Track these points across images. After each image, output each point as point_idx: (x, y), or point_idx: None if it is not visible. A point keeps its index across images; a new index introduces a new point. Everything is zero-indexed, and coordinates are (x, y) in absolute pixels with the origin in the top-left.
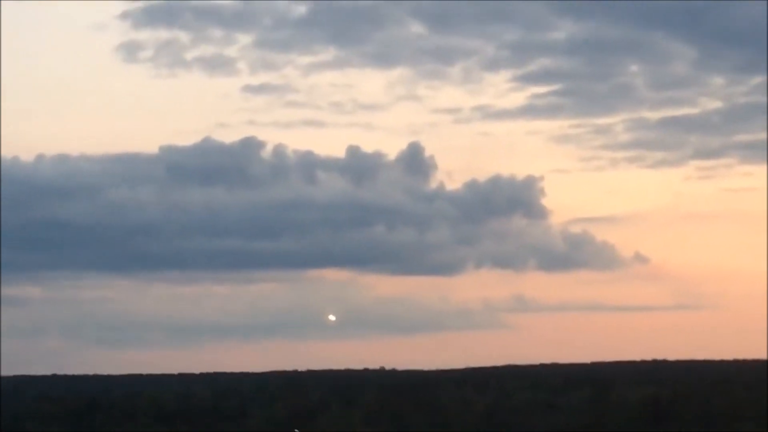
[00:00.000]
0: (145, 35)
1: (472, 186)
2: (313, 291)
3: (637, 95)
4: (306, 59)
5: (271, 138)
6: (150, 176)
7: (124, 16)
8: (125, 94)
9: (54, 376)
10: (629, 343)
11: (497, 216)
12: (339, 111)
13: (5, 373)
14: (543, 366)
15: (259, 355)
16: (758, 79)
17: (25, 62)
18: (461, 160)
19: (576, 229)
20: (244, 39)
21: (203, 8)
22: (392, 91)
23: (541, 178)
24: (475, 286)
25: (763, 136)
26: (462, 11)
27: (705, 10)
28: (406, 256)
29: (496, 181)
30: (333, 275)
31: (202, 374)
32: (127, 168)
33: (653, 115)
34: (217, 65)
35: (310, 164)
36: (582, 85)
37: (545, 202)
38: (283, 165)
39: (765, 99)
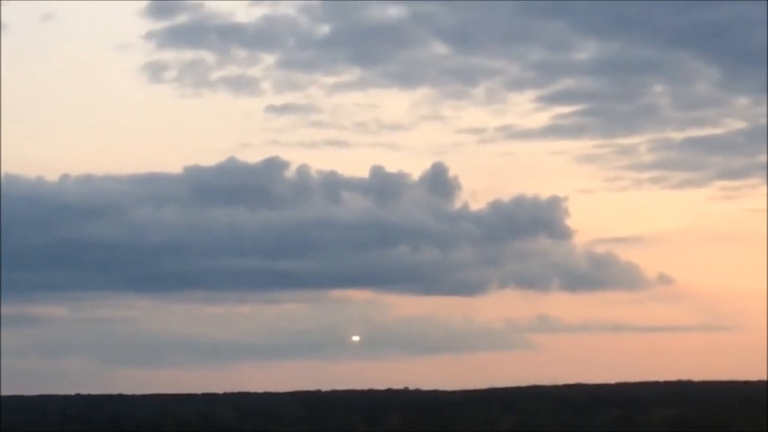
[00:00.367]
0: (170, 55)
1: (496, 206)
2: (337, 311)
3: (662, 115)
4: (330, 79)
5: (294, 158)
6: (174, 196)
7: (149, 36)
8: (150, 114)
9: (78, 395)
10: (654, 363)
11: (521, 236)
12: (363, 131)
13: (29, 392)
14: (567, 386)
15: (282, 375)
16: None
17: (50, 82)
18: (485, 180)
19: (600, 249)
20: (268, 59)
21: (227, 28)
22: (416, 111)
23: (566, 198)
24: (499, 306)
25: None
26: (486, 31)
27: (729, 30)
28: (430, 276)
29: (520, 201)
30: (356, 295)
31: (225, 394)
32: (152, 188)
33: (677, 135)
34: (242, 85)
35: (333, 184)
36: (606, 106)
37: (569, 222)
38: (306, 185)
39: None
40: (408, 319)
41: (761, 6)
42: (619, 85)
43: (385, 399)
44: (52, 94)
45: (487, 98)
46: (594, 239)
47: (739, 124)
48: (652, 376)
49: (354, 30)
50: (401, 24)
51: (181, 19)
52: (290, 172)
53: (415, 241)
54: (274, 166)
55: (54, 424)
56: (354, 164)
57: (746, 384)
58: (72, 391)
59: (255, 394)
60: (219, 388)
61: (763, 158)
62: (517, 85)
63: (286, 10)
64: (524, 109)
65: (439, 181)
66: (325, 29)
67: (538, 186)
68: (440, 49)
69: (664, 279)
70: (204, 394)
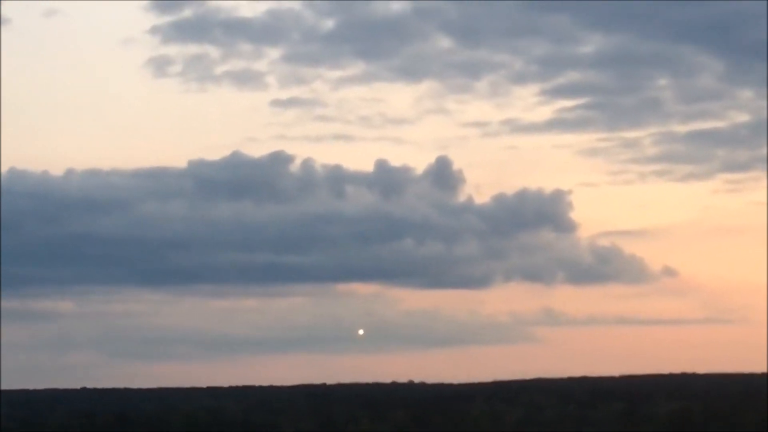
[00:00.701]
0: (175, 50)
1: (500, 199)
2: (342, 305)
3: (666, 109)
4: (335, 73)
5: (299, 152)
6: (179, 190)
7: (154, 30)
8: (155, 109)
9: (84, 389)
10: (658, 356)
11: (525, 229)
12: (367, 125)
13: (36, 386)
14: (572, 379)
15: (288, 369)
16: None
17: (55, 77)
18: (489, 173)
19: (604, 242)
20: (273, 53)
21: (232, 23)
22: (420, 105)
23: (570, 191)
24: (504, 300)
25: None
26: (490, 25)
27: (733, 24)
28: (435, 269)
29: (524, 195)
30: (361, 289)
31: (231, 388)
32: (157, 182)
33: (681, 128)
34: (246, 79)
35: (338, 178)
36: (610, 99)
37: (573, 215)
38: (311, 179)
39: None
40: (413, 313)
41: (764, 1)
42: (623, 78)
43: (390, 392)
44: (57, 89)
45: (491, 92)
46: (598, 232)
47: (743, 117)
48: (657, 369)
49: (358, 24)
50: (405, 18)
51: (186, 13)
52: (295, 166)
53: (420, 234)
54: (279, 160)
55: (61, 418)
56: (359, 158)
57: (750, 376)
58: (78, 385)
59: (261, 387)
60: (225, 381)
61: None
62: (521, 78)
63: (291, 4)
64: (528, 102)
65: (443, 175)
66: (329, 24)
67: (542, 179)
68: (444, 43)
69: (668, 272)
70: (210, 388)
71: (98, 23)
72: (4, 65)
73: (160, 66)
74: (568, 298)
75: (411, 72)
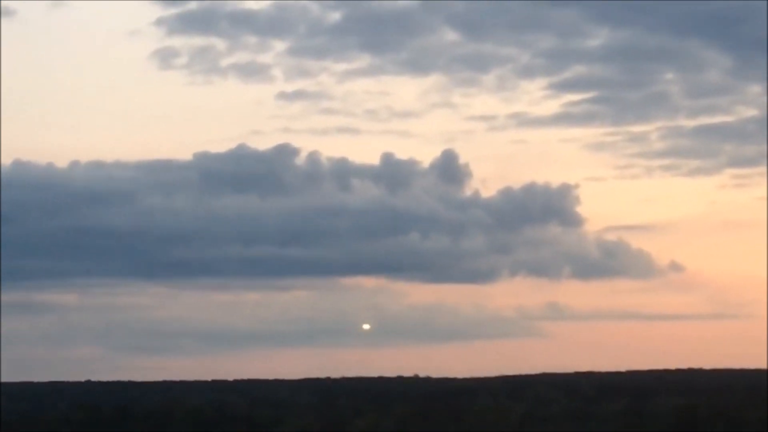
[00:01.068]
0: (180, 42)
1: (506, 193)
2: (347, 298)
3: (673, 103)
4: (341, 66)
5: (305, 145)
6: (184, 183)
7: (159, 22)
8: (160, 101)
9: (88, 382)
10: (664, 351)
11: (532, 224)
12: (373, 118)
13: (39, 379)
14: (578, 374)
15: (292, 363)
16: None
17: (60, 69)
18: (496, 167)
19: (611, 237)
20: (279, 46)
21: (238, 15)
22: (427, 99)
23: (576, 185)
24: (510, 294)
25: None
26: (497, 19)
27: (741, 17)
28: (441, 263)
29: (530, 189)
30: (367, 283)
31: (235, 381)
32: (161, 175)
33: (688, 123)
34: (252, 72)
35: (344, 171)
36: (617, 93)
37: (580, 209)
38: (317, 172)
39: None
40: (418, 307)
41: None
42: (630, 72)
43: (395, 387)
44: (62, 81)
45: (498, 86)
46: (605, 227)
47: (751, 112)
48: (663, 364)
49: (365, 17)
50: (412, 11)
51: (192, 5)
52: (301, 159)
53: (426, 228)
54: (285, 153)
55: (64, 411)
56: (365, 151)
57: (757, 372)
58: (81, 378)
59: (265, 381)
60: (229, 375)
61: None
62: (528, 72)
63: None
64: (535, 96)
65: (449, 169)
66: (336, 16)
67: (548, 173)
68: (451, 36)
69: (675, 267)
70: (214, 381)
71: (104, 15)
72: (9, 57)
73: (165, 58)
74: (574, 292)
75: (417, 65)
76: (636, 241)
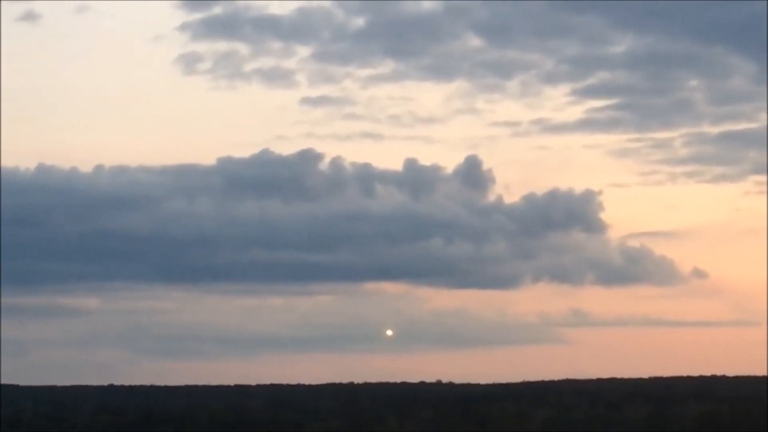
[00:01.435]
0: (204, 47)
1: (530, 199)
2: (370, 304)
3: (697, 110)
4: (364, 72)
5: (328, 150)
6: (207, 188)
7: (183, 27)
8: (184, 106)
9: (111, 386)
10: (688, 358)
11: (555, 230)
12: (397, 124)
13: (63, 383)
14: (601, 381)
15: (315, 368)
16: None
17: (85, 73)
18: (519, 173)
19: (634, 243)
20: (303, 51)
21: (262, 20)
22: (450, 104)
23: (600, 192)
24: (533, 300)
25: None
26: (521, 25)
27: (764, 24)
28: (464, 269)
29: (554, 195)
30: (390, 288)
31: (258, 386)
32: (185, 179)
33: (712, 129)
34: (276, 77)
35: (367, 177)
36: (641, 100)
37: (603, 216)
38: (340, 177)
39: None
40: (441, 312)
41: None
42: (653, 79)
43: (418, 392)
44: (87, 85)
45: (522, 92)
46: (628, 233)
47: None
48: (686, 371)
49: (389, 23)
50: (436, 17)
51: (216, 10)
52: (324, 165)
53: (449, 234)
54: (309, 158)
55: (88, 414)
56: (388, 157)
57: None
58: (105, 382)
59: (287, 385)
60: (251, 379)
61: None
62: (552, 78)
63: (321, 2)
64: (559, 102)
65: (473, 175)
66: (359, 22)
67: (572, 180)
68: (475, 42)
69: (698, 274)
70: (236, 386)
71: (129, 20)
72: (34, 61)
73: (189, 63)
74: (597, 298)
75: (441, 71)
76: (659, 248)
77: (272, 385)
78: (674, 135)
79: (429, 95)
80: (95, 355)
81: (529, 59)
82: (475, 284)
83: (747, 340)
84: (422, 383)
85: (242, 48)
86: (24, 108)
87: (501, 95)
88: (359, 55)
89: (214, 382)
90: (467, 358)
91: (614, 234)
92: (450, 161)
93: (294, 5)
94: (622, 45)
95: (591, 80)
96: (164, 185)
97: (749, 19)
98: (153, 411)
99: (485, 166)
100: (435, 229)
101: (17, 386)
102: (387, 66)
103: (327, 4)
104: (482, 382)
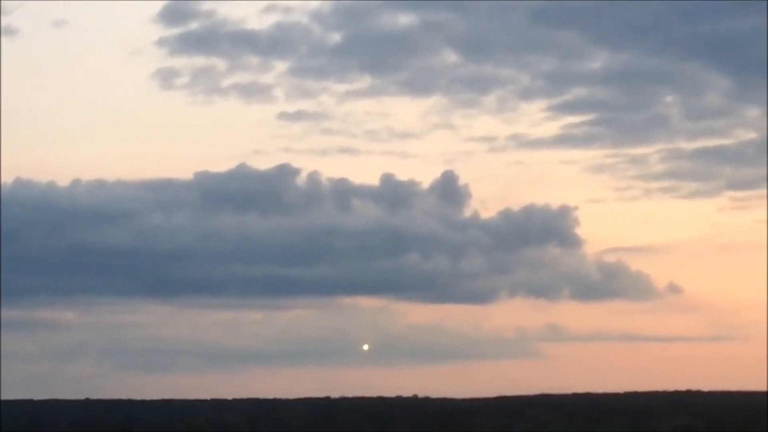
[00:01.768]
0: (182, 62)
1: (506, 215)
2: (347, 318)
3: (672, 126)
4: (342, 87)
5: (305, 165)
6: (185, 202)
7: (161, 42)
8: (161, 121)
9: (87, 400)
10: (663, 373)
11: (531, 245)
12: (374, 139)
13: (39, 397)
14: (577, 396)
15: (292, 382)
16: None
17: (62, 88)
18: (496, 188)
19: (610, 258)
20: (280, 66)
21: (239, 35)
22: (427, 120)
23: (576, 207)
24: (509, 315)
25: None
26: (497, 40)
27: (740, 40)
28: (440, 284)
29: (530, 210)
30: (366, 303)
31: (235, 400)
32: (163, 194)
33: (688, 145)
34: (253, 92)
35: (344, 192)
36: (617, 115)
37: (579, 231)
38: (317, 192)
39: None
40: (418, 327)
41: None
42: (630, 94)
43: (395, 406)
44: (64, 100)
45: (498, 107)
46: (604, 249)
47: (750, 135)
48: (662, 386)
49: (365, 38)
50: (412, 32)
51: (193, 25)
52: (301, 179)
53: (426, 249)
54: (286, 172)
55: (65, 429)
56: (365, 172)
57: (755, 394)
58: (83, 396)
59: (265, 400)
60: (229, 394)
61: None
62: (528, 94)
63: (299, 17)
64: (535, 118)
65: (449, 190)
66: (336, 37)
67: (548, 195)
68: (451, 57)
69: (673, 289)
70: (214, 400)
71: (106, 34)
72: (11, 75)
73: (167, 78)
74: (573, 313)
75: (418, 86)
76: (635, 263)
77: (250, 399)
78: (650, 151)
79: (406, 110)
80: (73, 368)
81: (505, 75)
82: (452, 299)
83: (723, 355)
84: (399, 397)
85: (219, 63)
86: (0, 122)
87: (478, 110)
88: (336, 71)
89: (192, 396)
90: (444, 373)
91: (590, 249)
92: (427, 176)
93: (271, 20)
94: (598, 61)
95: (567, 96)
96: (142, 199)
97: (725, 36)
98: (131, 425)
99: (462, 181)
100: (412, 244)
101: None
102: (364, 81)
103: (304, 19)
104: (459, 396)
